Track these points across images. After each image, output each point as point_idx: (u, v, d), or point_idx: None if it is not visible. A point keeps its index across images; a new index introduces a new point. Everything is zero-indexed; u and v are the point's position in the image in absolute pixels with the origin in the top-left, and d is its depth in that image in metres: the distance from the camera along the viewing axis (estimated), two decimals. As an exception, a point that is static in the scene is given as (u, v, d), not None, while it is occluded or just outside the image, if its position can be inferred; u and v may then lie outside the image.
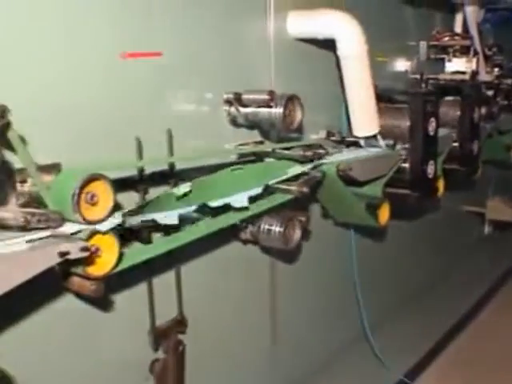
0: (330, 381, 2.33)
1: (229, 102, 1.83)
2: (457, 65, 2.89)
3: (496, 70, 3.19)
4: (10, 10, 1.24)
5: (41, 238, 1.16)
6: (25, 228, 1.18)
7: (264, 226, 1.86)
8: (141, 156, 1.54)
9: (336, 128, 2.26)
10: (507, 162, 3.47)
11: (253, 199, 1.61)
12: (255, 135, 1.90)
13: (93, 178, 1.24)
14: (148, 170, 1.55)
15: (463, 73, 2.86)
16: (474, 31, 2.93)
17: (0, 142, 1.12)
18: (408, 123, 2.35)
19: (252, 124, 1.86)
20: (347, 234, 2.40)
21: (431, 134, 2.38)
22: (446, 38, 2.89)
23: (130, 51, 1.53)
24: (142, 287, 1.64)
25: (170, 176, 1.62)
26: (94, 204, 1.25)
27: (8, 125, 1.13)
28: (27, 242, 1.13)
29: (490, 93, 3.08)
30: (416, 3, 2.80)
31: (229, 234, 1.86)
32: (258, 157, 1.86)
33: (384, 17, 2.47)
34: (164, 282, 1.69)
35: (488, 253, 3.78)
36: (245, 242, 1.92)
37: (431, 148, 2.40)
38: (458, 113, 2.73)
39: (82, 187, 1.21)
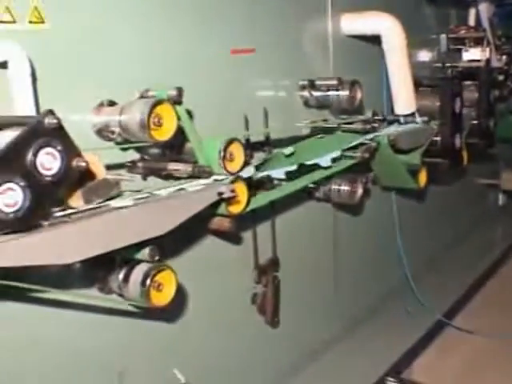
0: (380, 321, 2.80)
1: (303, 87, 2.31)
2: (472, 54, 3.36)
3: (504, 57, 3.66)
4: (152, 19, 1.73)
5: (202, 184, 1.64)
6: (190, 177, 1.66)
7: (334, 186, 2.34)
8: (247, 128, 2.02)
9: (379, 108, 2.72)
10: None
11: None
12: (324, 114, 2.38)
13: (231, 141, 1.72)
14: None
15: (478, 61, 3.33)
16: (486, 24, 3.41)
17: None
18: (438, 103, 2.82)
19: (321, 105, 2.34)
20: (390, 196, 2.88)
21: (457, 111, 2.86)
22: (463, 31, 3.37)
23: (235, 48, 2.01)
24: (248, 234, 2.12)
25: (265, 144, 2.10)
26: (231, 160, 1.73)
27: (181, 102, 1.61)
28: (193, 186, 1.61)
29: (501, 77, 3.55)
30: (436, 2, 3.27)
31: (305, 194, 2.34)
32: (326, 131, 2.34)
33: (409, 14, 2.91)
34: (263, 229, 2.17)
35: (504, 220, 4.28)
36: (318, 199, 2.40)
37: (457, 123, 2.89)
38: (476, 94, 3.20)
39: (225, 148, 1.69)
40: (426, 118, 2.73)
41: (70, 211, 1.32)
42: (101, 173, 1.40)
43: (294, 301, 2.34)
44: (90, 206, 1.35)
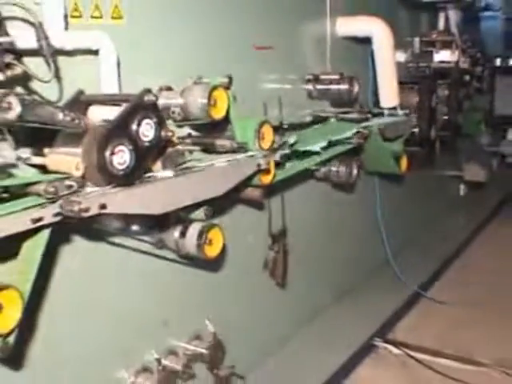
0: (366, 291, 3.18)
1: (308, 81, 2.66)
2: (443, 56, 3.77)
3: (469, 59, 4.08)
4: (198, 21, 2.06)
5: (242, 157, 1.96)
6: (231, 151, 1.99)
7: (333, 168, 2.69)
8: (266, 114, 2.36)
9: (364, 101, 3.09)
10: (478, 134, 4.40)
11: (329, 146, 2.44)
12: (324, 105, 2.73)
13: (263, 123, 2.05)
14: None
15: (448, 62, 3.74)
16: (455, 29, 3.82)
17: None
18: (416, 98, 3.21)
19: (323, 97, 2.69)
20: (373, 180, 3.26)
21: (433, 106, 3.26)
22: (435, 35, 3.77)
23: (257, 45, 2.35)
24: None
25: (279, 128, 2.43)
26: (263, 138, 2.06)
27: (229, 88, 1.93)
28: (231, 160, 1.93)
29: (467, 78, 3.97)
30: (409, 7, 3.66)
31: (307, 175, 2.69)
32: (325, 119, 2.69)
33: (389, 19, 3.25)
34: (275, 203, 2.51)
35: (465, 208, 4.73)
36: (318, 179, 2.76)
37: (433, 117, 3.28)
38: (447, 92, 3.61)
39: (259, 128, 2.03)
40: (407, 111, 3.10)
41: (153, 173, 1.63)
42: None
43: (298, 267, 2.67)
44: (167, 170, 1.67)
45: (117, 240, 1.81)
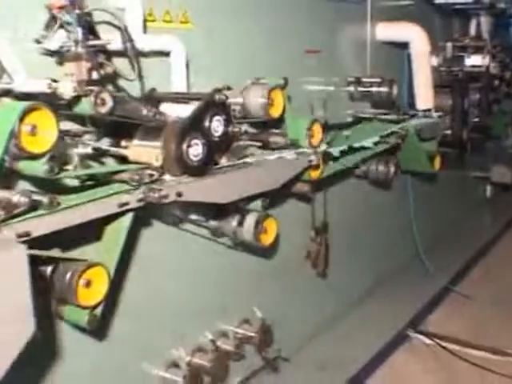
0: (399, 284, 3.32)
1: (350, 83, 2.81)
2: (474, 60, 3.89)
3: (498, 64, 4.20)
4: (255, 27, 2.21)
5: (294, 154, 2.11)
6: (283, 147, 2.14)
7: (372, 166, 2.84)
8: (312, 114, 2.50)
9: (399, 104, 3.23)
10: (505, 137, 4.53)
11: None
12: (364, 106, 2.88)
13: (314, 122, 2.20)
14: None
15: (479, 66, 3.86)
16: (486, 35, 3.95)
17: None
18: (450, 101, 3.35)
19: (363, 98, 2.84)
20: (406, 179, 3.40)
21: (465, 109, 3.39)
22: (467, 40, 3.90)
23: (308, 48, 2.50)
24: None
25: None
26: (313, 136, 2.21)
27: (284, 88, 2.08)
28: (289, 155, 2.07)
29: (496, 82, 4.09)
30: (442, 13, 3.79)
31: (348, 173, 2.83)
32: (365, 119, 2.84)
33: (424, 25, 3.40)
34: (318, 198, 2.66)
35: (492, 208, 4.87)
36: (358, 177, 2.90)
37: (465, 119, 3.42)
38: (478, 96, 3.74)
39: (310, 127, 2.17)
40: (441, 113, 3.24)
41: (220, 165, 1.78)
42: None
43: (337, 259, 2.82)
44: (232, 163, 1.82)
45: (181, 227, 1.96)
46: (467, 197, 4.67)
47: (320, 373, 2.56)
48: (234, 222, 2.01)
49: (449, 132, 3.35)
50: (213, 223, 2.02)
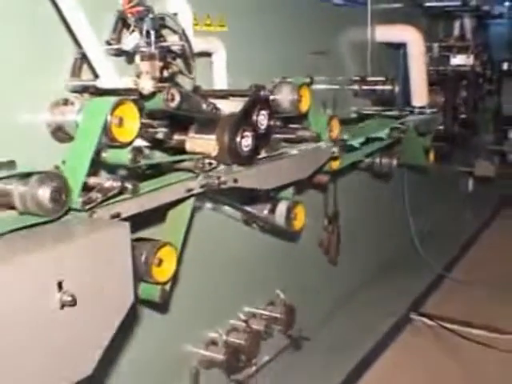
0: (397, 271, 3.54)
1: (354, 82, 3.01)
2: (459, 60, 4.13)
3: (481, 63, 4.44)
4: (278, 32, 2.40)
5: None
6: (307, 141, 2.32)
7: (376, 159, 3.04)
8: (324, 110, 2.70)
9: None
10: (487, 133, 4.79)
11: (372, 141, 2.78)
12: (366, 103, 3.08)
13: (332, 117, 2.39)
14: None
15: (464, 65, 4.10)
16: (469, 35, 4.19)
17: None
18: (442, 98, 3.57)
19: (366, 96, 3.04)
20: (402, 171, 3.61)
21: (456, 106, 3.62)
22: (452, 41, 4.14)
23: (312, 50, 2.69)
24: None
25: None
26: (331, 130, 2.40)
27: (310, 85, 2.27)
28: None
29: (480, 80, 4.34)
30: (428, 15, 4.02)
31: (350, 167, 3.03)
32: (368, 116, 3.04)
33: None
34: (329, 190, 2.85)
35: (474, 202, 5.13)
36: (361, 170, 3.10)
37: (455, 115, 3.65)
38: (465, 93, 3.98)
39: (330, 121, 2.36)
40: (434, 110, 3.46)
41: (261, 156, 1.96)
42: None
43: (346, 246, 3.02)
44: (271, 154, 2.00)
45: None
46: (453, 190, 4.91)
47: (333, 353, 2.73)
48: (265, 209, 2.18)
49: (441, 127, 3.53)
50: (248, 208, 2.18)
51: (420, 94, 3.33)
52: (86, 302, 1.19)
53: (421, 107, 3.39)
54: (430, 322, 3.16)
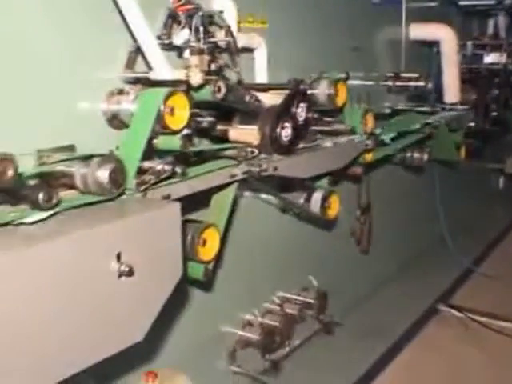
0: (426, 263, 3.64)
1: (388, 78, 3.10)
2: (492, 58, 4.19)
3: (512, 61, 4.48)
4: (315, 30, 2.51)
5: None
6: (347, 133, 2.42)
7: (408, 154, 3.14)
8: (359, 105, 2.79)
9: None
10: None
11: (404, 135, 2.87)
12: (400, 99, 3.18)
13: (367, 111, 2.50)
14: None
15: (497, 64, 4.16)
16: (503, 34, 4.25)
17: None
18: (474, 96, 3.65)
19: (400, 92, 3.13)
20: (432, 166, 3.70)
21: (488, 103, 3.69)
22: (486, 39, 4.20)
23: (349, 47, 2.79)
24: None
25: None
26: (366, 124, 2.50)
27: (346, 81, 2.37)
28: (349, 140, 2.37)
29: (512, 78, 4.39)
30: (462, 13, 4.09)
31: (383, 160, 3.13)
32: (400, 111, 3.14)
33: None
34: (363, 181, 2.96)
35: (504, 199, 5.20)
36: (394, 164, 3.20)
37: (487, 113, 3.72)
38: (497, 91, 4.04)
39: (364, 115, 2.46)
40: (466, 107, 3.53)
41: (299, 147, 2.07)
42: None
43: (377, 237, 3.12)
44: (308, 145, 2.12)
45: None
46: (484, 186, 4.98)
47: (363, 339, 2.84)
48: (301, 198, 2.29)
49: (472, 124, 3.60)
50: (286, 196, 2.29)
51: (452, 91, 3.41)
52: (140, 273, 1.31)
53: (453, 104, 3.45)
54: (458, 314, 3.24)
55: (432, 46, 3.45)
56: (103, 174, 1.35)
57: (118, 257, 1.28)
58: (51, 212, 1.23)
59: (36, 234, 1.17)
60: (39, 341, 1.14)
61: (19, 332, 1.09)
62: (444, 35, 3.28)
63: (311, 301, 2.55)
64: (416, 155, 3.10)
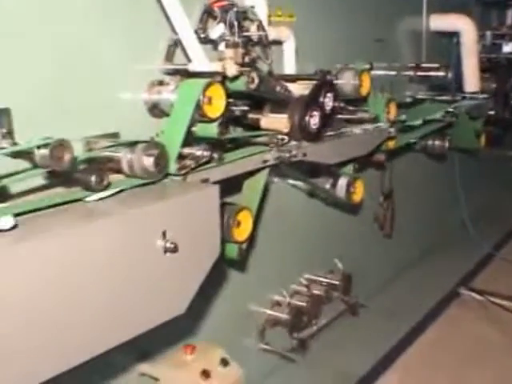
0: (449, 249, 3.74)
1: (410, 68, 3.20)
2: (510, 48, 4.26)
3: (532, 51, 4.55)
4: (337, 22, 2.62)
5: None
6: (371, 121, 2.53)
7: (429, 141, 3.24)
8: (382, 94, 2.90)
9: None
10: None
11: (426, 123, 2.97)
12: (421, 89, 3.27)
13: (390, 100, 2.60)
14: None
15: (516, 53, 4.23)
16: (522, 24, 4.33)
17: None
18: (494, 85, 3.73)
19: (421, 82, 3.23)
20: (453, 154, 3.79)
21: (507, 92, 3.77)
22: (504, 29, 4.28)
23: (372, 38, 2.89)
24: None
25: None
26: (389, 113, 2.60)
27: (370, 71, 2.47)
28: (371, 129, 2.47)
29: (531, 67, 4.45)
30: (481, 4, 4.17)
31: (406, 148, 3.23)
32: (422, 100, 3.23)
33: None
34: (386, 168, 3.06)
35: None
36: (416, 151, 3.30)
37: (506, 101, 3.80)
38: (516, 80, 4.11)
39: (387, 104, 2.57)
40: (486, 96, 3.62)
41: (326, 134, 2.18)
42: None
43: (400, 222, 3.23)
44: (334, 132, 2.23)
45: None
46: (504, 173, 5.05)
47: (387, 320, 2.95)
48: (328, 183, 2.41)
49: (492, 112, 3.69)
50: (314, 181, 2.40)
51: (472, 81, 3.49)
52: (183, 249, 1.42)
53: (473, 93, 3.54)
54: (478, 297, 3.34)
55: (452, 36, 3.51)
56: (148, 160, 1.47)
57: (164, 234, 1.38)
58: (113, 191, 1.35)
59: (96, 212, 1.30)
60: (96, 308, 1.27)
61: (80, 297, 1.22)
62: (464, 26, 3.36)
63: (336, 282, 2.65)
64: (437, 143, 3.19)
